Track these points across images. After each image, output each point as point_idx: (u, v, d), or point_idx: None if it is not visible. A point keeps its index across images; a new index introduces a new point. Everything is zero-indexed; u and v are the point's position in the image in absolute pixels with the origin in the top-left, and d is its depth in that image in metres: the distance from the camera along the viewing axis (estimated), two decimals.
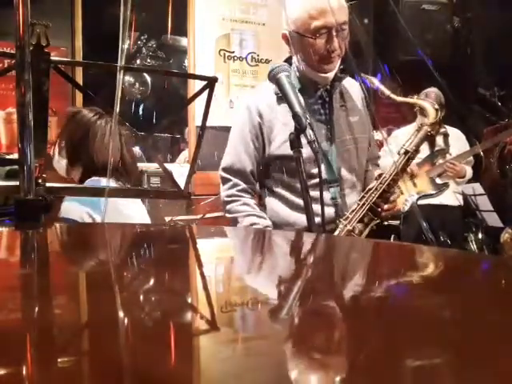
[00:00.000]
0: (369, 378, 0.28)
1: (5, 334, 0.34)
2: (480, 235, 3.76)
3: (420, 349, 0.32)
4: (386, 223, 3.45)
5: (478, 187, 3.46)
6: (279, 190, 1.58)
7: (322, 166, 1.48)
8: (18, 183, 0.89)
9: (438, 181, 3.34)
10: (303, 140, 1.28)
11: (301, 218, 1.41)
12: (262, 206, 1.64)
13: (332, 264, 0.67)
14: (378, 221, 1.53)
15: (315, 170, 1.34)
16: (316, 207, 1.29)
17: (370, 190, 1.51)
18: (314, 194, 1.31)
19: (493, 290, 0.51)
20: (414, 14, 4.43)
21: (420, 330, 0.36)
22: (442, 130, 3.41)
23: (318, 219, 1.29)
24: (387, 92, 1.56)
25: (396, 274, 0.60)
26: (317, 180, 1.31)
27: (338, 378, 0.29)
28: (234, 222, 1.61)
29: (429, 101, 1.67)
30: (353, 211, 1.50)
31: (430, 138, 3.35)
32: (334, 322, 0.39)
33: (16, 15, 0.89)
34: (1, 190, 1.07)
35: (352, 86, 1.65)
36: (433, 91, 3.36)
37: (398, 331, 0.37)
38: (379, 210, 1.51)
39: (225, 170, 1.62)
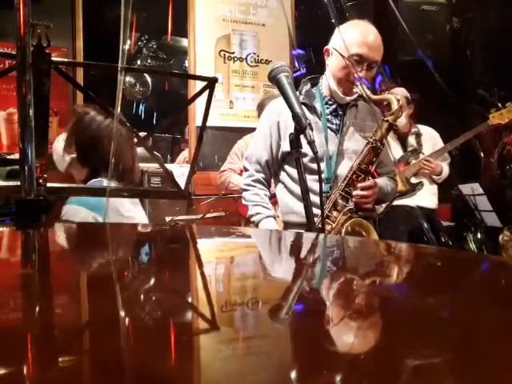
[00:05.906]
0: (369, 378, 0.29)
1: (5, 334, 0.34)
2: (479, 235, 3.77)
3: (419, 349, 0.33)
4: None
5: (477, 187, 3.46)
6: (288, 181, 1.80)
7: (323, 165, 1.71)
8: (18, 183, 0.89)
9: (413, 180, 3.31)
10: (303, 140, 1.34)
11: (302, 207, 1.55)
12: (271, 194, 1.87)
13: (330, 264, 0.67)
14: (350, 207, 1.72)
15: (315, 166, 1.43)
16: (314, 198, 1.42)
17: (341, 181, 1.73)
18: (314, 187, 1.49)
19: (493, 289, 0.51)
20: (413, 14, 4.44)
21: (420, 330, 0.36)
22: (414, 129, 3.37)
23: (315, 209, 1.40)
24: (367, 92, 1.75)
25: (393, 273, 0.60)
26: (316, 176, 1.42)
27: (338, 378, 0.29)
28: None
29: (393, 93, 1.81)
30: (329, 200, 1.72)
31: (396, 131, 3.32)
32: (333, 322, 0.40)
33: (17, 16, 0.89)
34: (2, 190, 1.07)
35: (368, 110, 1.87)
36: (399, 90, 3.31)
37: (397, 331, 0.37)
38: (349, 196, 1.71)
39: (246, 158, 1.87)
